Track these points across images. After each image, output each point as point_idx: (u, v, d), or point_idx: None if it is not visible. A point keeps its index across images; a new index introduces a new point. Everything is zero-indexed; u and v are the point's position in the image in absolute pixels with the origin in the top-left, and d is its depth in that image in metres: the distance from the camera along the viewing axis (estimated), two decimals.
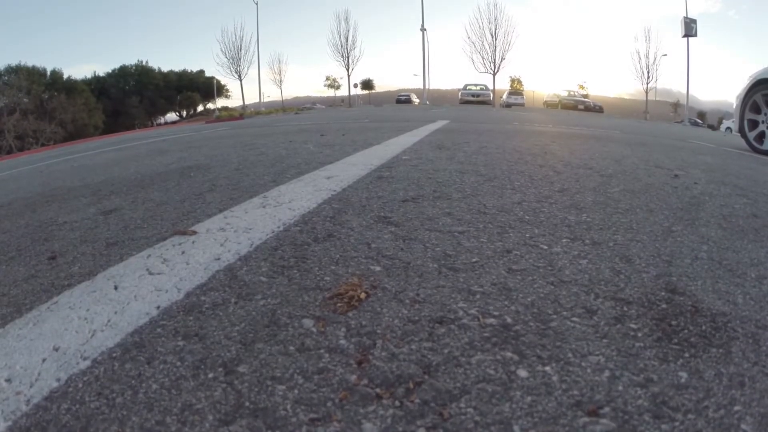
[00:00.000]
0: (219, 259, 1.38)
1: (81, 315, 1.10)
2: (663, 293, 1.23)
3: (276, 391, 0.80)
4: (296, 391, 0.80)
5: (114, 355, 0.93)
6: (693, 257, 1.51)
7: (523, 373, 0.86)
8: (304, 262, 1.35)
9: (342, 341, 0.95)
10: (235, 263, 1.35)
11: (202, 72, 63.43)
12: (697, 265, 1.44)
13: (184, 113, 62.24)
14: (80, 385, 0.84)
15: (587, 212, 1.94)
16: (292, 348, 0.92)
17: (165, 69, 61.21)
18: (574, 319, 1.06)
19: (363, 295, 1.13)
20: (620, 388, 0.83)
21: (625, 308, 1.13)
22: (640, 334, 1.02)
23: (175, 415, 0.75)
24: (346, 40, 46.62)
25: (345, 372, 0.85)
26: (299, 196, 2.10)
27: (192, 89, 60.95)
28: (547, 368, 0.88)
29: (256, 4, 39.89)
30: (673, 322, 1.09)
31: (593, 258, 1.43)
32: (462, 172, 2.71)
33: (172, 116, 61.91)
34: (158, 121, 56.51)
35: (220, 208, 2.00)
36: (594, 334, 1.00)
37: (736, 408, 0.80)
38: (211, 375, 0.85)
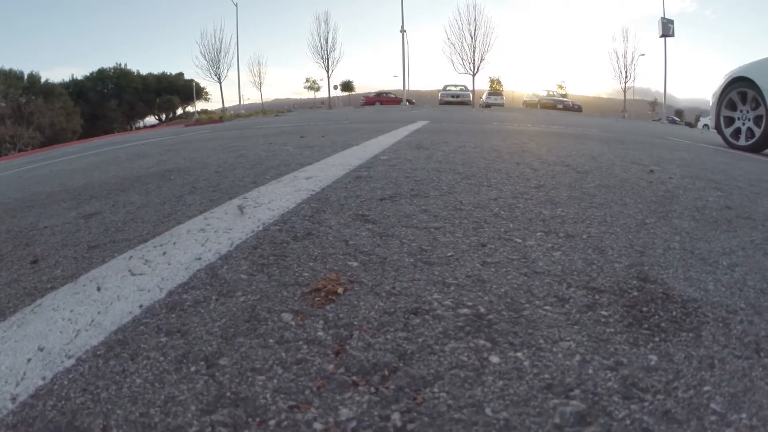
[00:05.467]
0: (200, 258, 1.40)
1: (65, 316, 1.11)
2: (634, 282, 1.27)
3: (256, 382, 0.83)
4: (275, 381, 0.83)
5: (98, 353, 0.94)
6: (665, 247, 1.55)
7: (495, 359, 0.89)
8: (284, 259, 1.38)
9: (320, 333, 0.98)
10: (215, 262, 1.37)
11: (181, 75, 63.07)
12: (669, 255, 1.49)
13: (164, 117, 61.77)
14: (65, 383, 0.86)
15: (562, 207, 1.98)
16: (271, 341, 0.95)
17: (144, 72, 60.92)
18: (546, 307, 1.10)
19: (341, 290, 1.16)
20: (590, 371, 0.87)
21: (597, 296, 1.17)
22: (611, 321, 1.06)
23: (159, 407, 0.77)
24: (326, 42, 46.70)
25: (323, 362, 0.88)
26: (279, 197, 2.12)
27: (171, 92, 60.52)
28: (519, 354, 0.91)
29: (236, 5, 39.77)
30: (644, 309, 1.13)
31: (566, 250, 1.47)
32: (439, 170, 2.74)
33: (151, 120, 61.49)
34: (137, 125, 55.93)
35: (200, 210, 2.01)
36: (565, 321, 1.04)
37: (706, 388, 0.84)
38: (193, 368, 0.87)
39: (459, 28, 45.61)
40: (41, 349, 0.97)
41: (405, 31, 39.31)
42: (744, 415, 0.78)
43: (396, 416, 0.74)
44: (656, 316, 1.10)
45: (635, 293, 1.21)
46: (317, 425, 0.72)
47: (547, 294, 1.17)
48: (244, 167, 3.15)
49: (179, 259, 1.41)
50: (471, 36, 41.41)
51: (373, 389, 0.80)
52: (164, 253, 1.47)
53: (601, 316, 1.07)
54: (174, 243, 1.56)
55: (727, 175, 3.25)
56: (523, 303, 1.12)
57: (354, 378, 0.83)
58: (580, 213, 1.90)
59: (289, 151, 3.91)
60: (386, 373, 0.85)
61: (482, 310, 1.08)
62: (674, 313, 1.12)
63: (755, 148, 5.59)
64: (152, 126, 49.75)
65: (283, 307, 1.09)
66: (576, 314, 1.08)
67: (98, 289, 1.25)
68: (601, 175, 2.80)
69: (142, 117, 60.21)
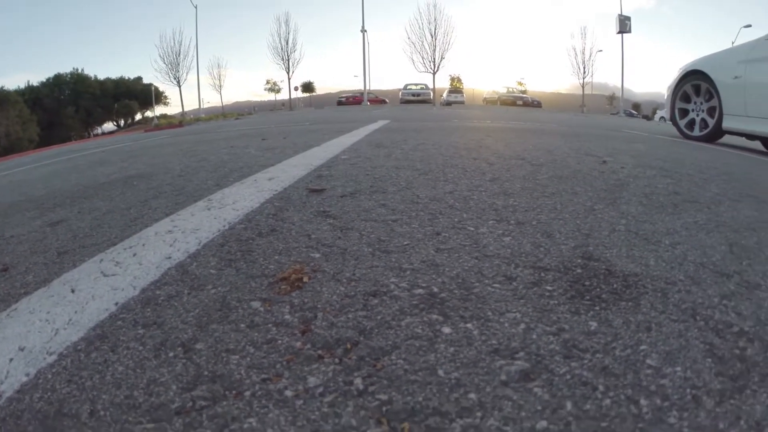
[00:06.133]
0: (170, 257, 1.45)
1: (42, 317, 1.15)
2: (579, 260, 1.39)
3: (231, 361, 0.91)
4: (248, 359, 0.91)
5: (79, 347, 0.99)
6: (611, 230, 1.67)
7: (447, 330, 1.00)
8: (250, 254, 1.45)
9: (287, 316, 1.06)
10: (185, 260, 1.43)
11: (139, 79, 61.69)
12: (614, 236, 1.60)
13: (122, 122, 60.41)
14: (50, 377, 0.90)
15: (515, 197, 2.08)
16: (242, 325, 1.03)
17: (101, 76, 59.40)
18: (495, 285, 1.20)
19: (305, 278, 1.24)
20: (534, 336, 0.98)
21: (543, 274, 1.28)
22: (555, 294, 1.17)
23: (142, 389, 0.84)
24: (287, 43, 46.63)
25: (290, 340, 0.97)
26: (243, 198, 2.18)
27: (129, 97, 59.14)
28: (469, 325, 1.01)
29: (195, 7, 39.28)
30: (587, 283, 1.24)
31: (516, 235, 1.58)
32: (398, 167, 2.83)
33: (109, 126, 59.93)
34: (95, 132, 54.48)
35: (166, 213, 2.05)
36: (512, 296, 1.15)
37: (642, 347, 0.95)
38: (171, 354, 0.94)
39: (419, 28, 46.27)
40: (22, 349, 1.01)
41: (366, 30, 39.49)
42: (678, 368, 0.89)
43: (358, 381, 0.84)
44: (598, 289, 1.21)
45: (579, 270, 1.32)
46: (288, 393, 0.81)
47: (496, 274, 1.27)
48: (207, 171, 3.19)
49: (150, 259, 1.46)
50: (431, 35, 41.84)
51: (337, 360, 0.90)
52: (134, 255, 1.52)
53: (545, 291, 1.18)
54: (143, 245, 1.61)
55: (679, 163, 3.40)
56: (473, 282, 1.22)
57: (320, 352, 0.92)
58: (532, 202, 2.01)
59: (251, 153, 3.95)
60: (348, 346, 0.94)
61: (435, 289, 1.18)
62: (615, 286, 1.23)
63: (709, 138, 5.89)
64: (111, 132, 48.47)
65: (252, 296, 1.17)
66: (522, 290, 1.18)
67: (72, 291, 1.30)
68: (555, 167, 2.92)
69: (100, 123, 58.66)
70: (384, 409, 0.77)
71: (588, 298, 1.17)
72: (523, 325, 1.02)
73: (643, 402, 0.80)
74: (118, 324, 1.08)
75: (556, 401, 0.80)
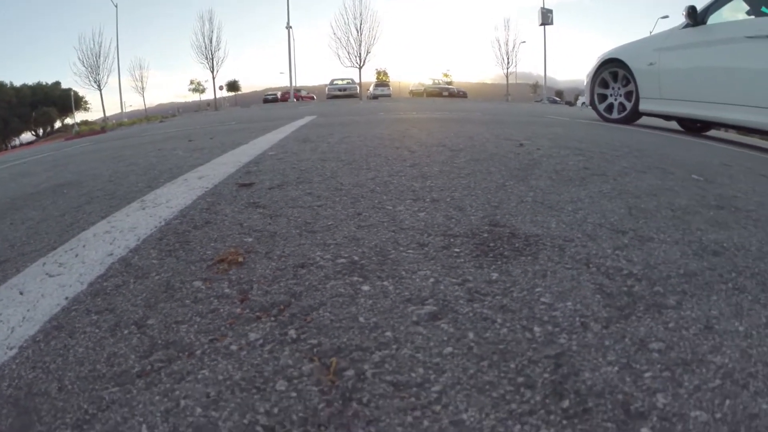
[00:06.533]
0: (112, 254, 1.54)
1: None
2: (486, 227, 1.58)
3: (180, 330, 1.05)
4: (196, 326, 1.05)
5: (37, 339, 1.08)
6: (518, 201, 1.87)
7: (366, 287, 1.18)
8: (188, 244, 1.57)
9: (226, 290, 1.21)
10: (127, 255, 1.52)
11: (58, 84, 58.75)
12: (521, 207, 1.81)
13: (41, 131, 57.55)
14: (14, 366, 0.98)
15: (432, 179, 2.27)
16: (188, 301, 1.17)
17: (17, 83, 56.26)
18: (409, 251, 1.39)
19: (240, 259, 1.39)
20: (442, 287, 1.17)
21: (452, 240, 1.47)
22: (462, 254, 1.36)
23: (104, 362, 0.96)
24: (210, 41, 45.71)
25: (231, 308, 1.12)
26: (175, 196, 2.27)
27: (48, 104, 56.05)
28: (385, 282, 1.20)
29: (116, 6, 37.88)
30: (491, 244, 1.44)
31: (431, 211, 1.76)
32: (324, 160, 2.98)
33: (27, 136, 56.88)
34: (13, 143, 51.57)
35: (102, 216, 2.10)
36: (424, 258, 1.34)
37: (538, 290, 1.16)
38: (126, 331, 1.06)
39: (345, 23, 46.37)
40: None
41: (291, 27, 39.17)
42: (569, 303, 1.10)
43: (292, 332, 1.00)
44: (501, 248, 1.41)
45: (485, 235, 1.51)
46: (233, 347, 0.96)
47: (410, 243, 1.46)
48: (137, 174, 3.21)
49: (92, 257, 1.55)
50: (357, 30, 41.96)
51: (273, 319, 1.06)
52: (76, 255, 1.59)
53: (453, 252, 1.37)
54: (83, 246, 1.68)
55: (594, 143, 3.68)
56: (390, 250, 1.40)
57: (257, 314, 1.08)
58: (448, 183, 2.20)
59: (180, 155, 3.97)
60: (282, 307, 1.11)
61: (356, 258, 1.36)
62: (517, 245, 1.44)
63: (627, 120, 6.47)
64: (29, 143, 45.87)
65: (193, 278, 1.30)
66: (433, 253, 1.37)
67: (21, 293, 1.36)
68: (474, 151, 3.13)
69: (18, 134, 55.44)
70: (315, 350, 0.94)
71: (491, 255, 1.36)
72: (432, 279, 1.21)
73: (536, 329, 1.00)
74: (72, 315, 1.17)
75: (460, 333, 0.99)
